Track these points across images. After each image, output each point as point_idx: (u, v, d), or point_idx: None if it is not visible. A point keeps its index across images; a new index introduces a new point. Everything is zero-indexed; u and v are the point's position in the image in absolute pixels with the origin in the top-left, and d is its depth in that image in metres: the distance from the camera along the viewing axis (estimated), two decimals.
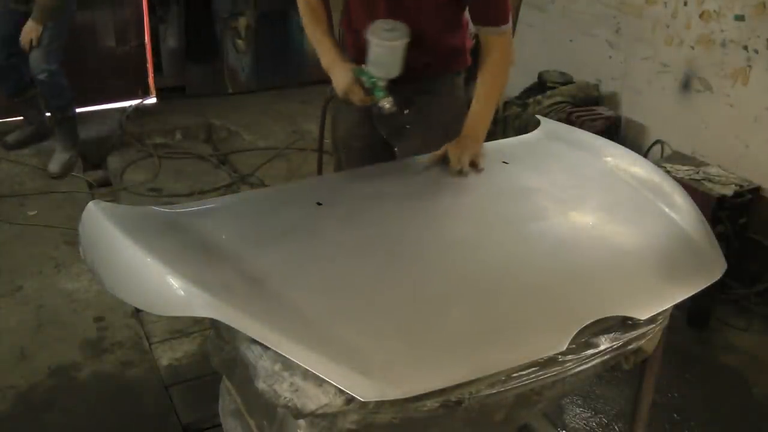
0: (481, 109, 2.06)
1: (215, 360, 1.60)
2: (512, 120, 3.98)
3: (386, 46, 1.93)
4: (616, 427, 2.47)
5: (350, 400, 1.24)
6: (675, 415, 2.51)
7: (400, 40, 1.93)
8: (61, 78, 3.82)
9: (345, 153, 2.36)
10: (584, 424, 2.48)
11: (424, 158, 2.01)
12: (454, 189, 1.88)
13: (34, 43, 3.63)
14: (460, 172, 1.92)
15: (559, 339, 1.38)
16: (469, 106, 2.10)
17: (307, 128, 4.61)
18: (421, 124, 2.15)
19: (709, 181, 3.06)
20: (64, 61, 3.81)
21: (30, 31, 3.61)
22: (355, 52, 2.12)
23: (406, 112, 2.05)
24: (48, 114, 4.13)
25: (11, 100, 4.03)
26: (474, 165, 1.95)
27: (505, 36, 2.04)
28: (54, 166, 3.91)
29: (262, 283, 1.40)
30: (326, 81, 2.19)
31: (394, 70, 1.96)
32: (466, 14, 2.14)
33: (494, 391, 1.35)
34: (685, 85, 3.49)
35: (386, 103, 1.99)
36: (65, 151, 3.97)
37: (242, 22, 5.06)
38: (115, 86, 4.81)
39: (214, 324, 1.48)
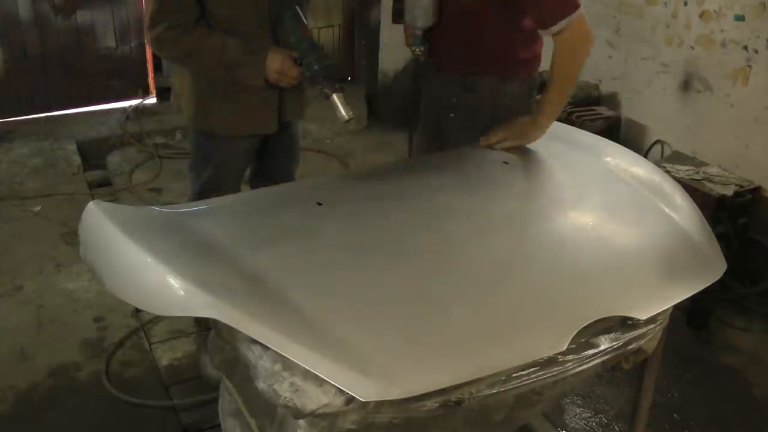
0: (542, 98, 2.14)
1: (215, 360, 1.60)
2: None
3: None
4: (616, 427, 2.47)
5: (350, 400, 1.24)
6: (675, 415, 2.51)
7: None
8: None
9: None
10: (584, 424, 2.48)
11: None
12: (454, 189, 1.88)
13: None
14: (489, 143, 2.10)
15: (559, 339, 1.37)
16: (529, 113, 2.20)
17: (308, 128, 4.60)
18: (458, 115, 2.26)
19: (709, 181, 3.06)
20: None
21: None
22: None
23: (454, 101, 2.21)
24: None
25: None
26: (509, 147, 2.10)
27: (561, 33, 2.02)
28: None
29: (262, 283, 1.40)
30: None
31: (429, 18, 2.13)
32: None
33: (494, 391, 1.35)
34: (685, 85, 3.49)
35: (417, 50, 2.20)
36: None
37: None
38: (115, 86, 4.81)
39: (214, 324, 1.48)
